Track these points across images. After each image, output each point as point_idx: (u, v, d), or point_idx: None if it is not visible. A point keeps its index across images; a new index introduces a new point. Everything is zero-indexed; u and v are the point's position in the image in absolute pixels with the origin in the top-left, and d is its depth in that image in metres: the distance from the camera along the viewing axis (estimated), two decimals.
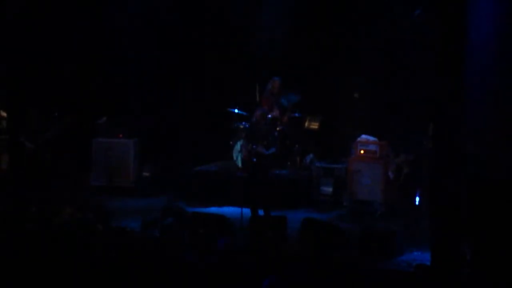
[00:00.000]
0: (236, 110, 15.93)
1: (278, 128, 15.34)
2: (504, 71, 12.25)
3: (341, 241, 11.97)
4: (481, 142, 11.40)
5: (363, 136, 14.57)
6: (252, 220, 13.03)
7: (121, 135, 16.34)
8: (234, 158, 15.43)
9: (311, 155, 15.61)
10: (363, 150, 14.36)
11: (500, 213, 10.40)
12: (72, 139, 16.09)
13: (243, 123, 15.55)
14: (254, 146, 13.51)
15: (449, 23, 10.35)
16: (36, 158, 15.44)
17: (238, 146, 15.29)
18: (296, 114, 15.85)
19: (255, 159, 13.52)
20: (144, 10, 16.81)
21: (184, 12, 16.80)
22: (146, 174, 16.31)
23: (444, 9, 10.33)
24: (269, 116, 14.57)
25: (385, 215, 13.93)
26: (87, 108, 16.71)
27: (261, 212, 13.56)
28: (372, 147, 14.31)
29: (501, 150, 11.55)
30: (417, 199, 13.32)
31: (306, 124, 15.98)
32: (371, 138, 14.47)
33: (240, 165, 15.14)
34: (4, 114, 15.93)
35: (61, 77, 16.89)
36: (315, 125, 15.96)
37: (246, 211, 13.57)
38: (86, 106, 16.75)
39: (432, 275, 10.40)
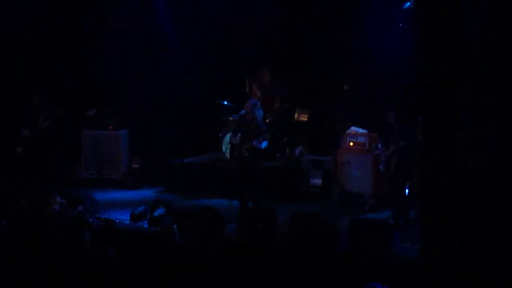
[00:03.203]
0: (225, 102, 15.92)
1: (267, 120, 15.33)
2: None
3: (331, 234, 11.97)
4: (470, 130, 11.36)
5: (353, 128, 14.57)
6: (241, 212, 13.03)
7: (110, 127, 16.33)
8: (224, 150, 15.40)
9: (300, 147, 15.61)
10: (352, 142, 14.37)
11: (490, 203, 10.40)
12: (62, 130, 16.03)
13: (233, 115, 15.53)
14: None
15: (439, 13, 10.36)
16: (32, 146, 15.26)
17: (227, 138, 15.26)
18: (285, 106, 15.85)
19: (246, 153, 13.51)
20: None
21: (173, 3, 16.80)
22: (135, 166, 16.30)
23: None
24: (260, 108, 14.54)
25: (375, 207, 13.94)
26: (77, 100, 16.66)
27: (250, 204, 13.56)
28: (361, 139, 14.31)
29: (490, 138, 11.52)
30: (407, 190, 13.31)
31: (296, 116, 15.98)
32: (360, 130, 14.48)
33: (229, 157, 15.11)
34: None
35: (51, 68, 16.83)
36: (304, 117, 15.97)
37: (235, 203, 13.58)
38: (76, 97, 16.69)
39: (422, 267, 10.42)
